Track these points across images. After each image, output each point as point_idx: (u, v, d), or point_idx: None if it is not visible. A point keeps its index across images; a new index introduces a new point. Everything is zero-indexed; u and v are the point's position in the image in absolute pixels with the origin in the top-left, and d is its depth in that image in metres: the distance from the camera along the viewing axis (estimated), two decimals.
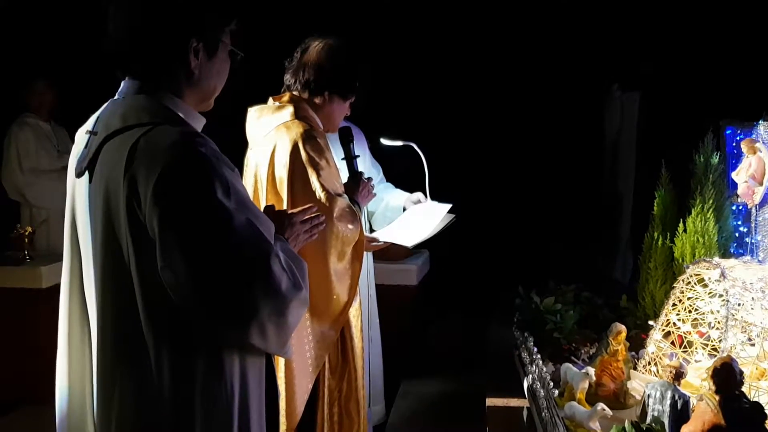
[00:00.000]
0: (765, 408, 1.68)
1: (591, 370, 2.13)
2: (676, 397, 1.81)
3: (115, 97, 1.50)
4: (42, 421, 2.15)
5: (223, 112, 1.74)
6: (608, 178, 4.82)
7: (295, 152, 2.22)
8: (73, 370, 1.54)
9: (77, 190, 1.50)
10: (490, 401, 2.42)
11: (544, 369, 2.17)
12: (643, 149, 4.53)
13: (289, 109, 2.32)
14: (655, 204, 2.84)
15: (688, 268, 2.33)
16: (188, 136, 1.38)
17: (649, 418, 1.83)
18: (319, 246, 2.16)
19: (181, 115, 1.45)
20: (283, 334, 1.45)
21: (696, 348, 2.27)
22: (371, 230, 2.96)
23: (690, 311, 2.28)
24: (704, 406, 1.68)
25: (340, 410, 2.36)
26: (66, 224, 1.54)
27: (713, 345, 2.23)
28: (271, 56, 2.56)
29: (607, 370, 2.19)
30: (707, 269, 2.25)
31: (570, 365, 2.24)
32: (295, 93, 2.40)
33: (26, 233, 4.02)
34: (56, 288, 1.62)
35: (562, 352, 2.53)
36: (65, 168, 1.57)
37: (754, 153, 2.49)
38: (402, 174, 3.14)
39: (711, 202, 2.66)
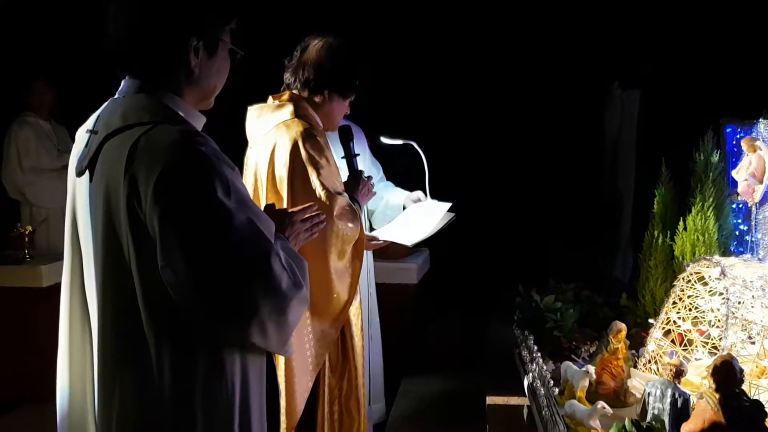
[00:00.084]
0: (765, 406, 1.68)
1: (591, 369, 2.13)
2: (677, 396, 1.81)
3: (116, 96, 1.50)
4: (42, 420, 2.16)
5: (223, 110, 1.74)
6: (608, 176, 4.81)
7: (295, 151, 2.22)
8: (73, 369, 1.54)
9: (78, 189, 1.50)
10: (491, 399, 2.42)
11: (545, 367, 2.17)
12: (643, 148, 4.53)
13: (289, 108, 2.32)
14: (656, 202, 2.84)
15: (688, 266, 2.33)
16: (188, 135, 1.38)
17: (649, 417, 1.83)
18: (319, 245, 2.15)
19: (181, 114, 1.45)
20: (284, 332, 1.45)
21: (696, 346, 2.27)
22: (371, 229, 2.96)
23: (690, 309, 2.28)
24: (704, 405, 1.68)
25: (341, 409, 2.36)
26: (66, 223, 1.55)
27: (713, 343, 2.23)
28: (271, 55, 2.56)
29: (608, 369, 2.19)
30: (707, 267, 2.25)
31: (570, 363, 2.24)
32: (294, 91, 2.40)
33: (26, 232, 4.02)
34: (56, 287, 1.62)
35: (562, 350, 2.53)
36: (65, 167, 1.57)
37: (754, 151, 2.49)
38: (402, 172, 3.14)
39: (711, 200, 2.66)
